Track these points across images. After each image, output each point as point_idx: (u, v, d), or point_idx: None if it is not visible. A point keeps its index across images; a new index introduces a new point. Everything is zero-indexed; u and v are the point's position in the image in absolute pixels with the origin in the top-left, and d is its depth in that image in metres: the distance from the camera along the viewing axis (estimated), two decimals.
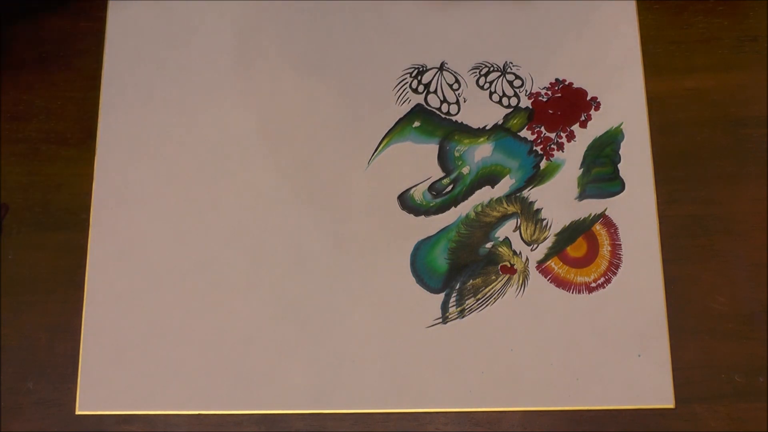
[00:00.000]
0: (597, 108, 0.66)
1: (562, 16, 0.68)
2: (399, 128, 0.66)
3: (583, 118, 0.66)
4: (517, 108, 0.66)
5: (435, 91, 0.67)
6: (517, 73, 0.67)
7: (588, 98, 0.66)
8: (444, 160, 0.65)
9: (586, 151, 0.65)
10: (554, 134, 0.65)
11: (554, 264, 0.62)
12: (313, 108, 0.66)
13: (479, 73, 0.67)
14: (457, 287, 0.62)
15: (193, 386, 0.61)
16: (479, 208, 0.64)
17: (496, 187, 0.64)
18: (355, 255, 0.63)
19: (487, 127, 0.66)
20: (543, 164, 0.65)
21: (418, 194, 0.64)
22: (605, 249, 0.63)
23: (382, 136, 0.66)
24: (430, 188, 0.64)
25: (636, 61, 0.67)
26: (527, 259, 0.63)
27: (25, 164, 0.66)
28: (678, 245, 0.62)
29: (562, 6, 0.68)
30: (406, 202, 0.64)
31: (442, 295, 0.62)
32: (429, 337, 0.61)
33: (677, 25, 0.68)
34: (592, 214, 0.63)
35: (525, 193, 0.64)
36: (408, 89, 0.67)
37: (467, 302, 0.62)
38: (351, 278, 0.62)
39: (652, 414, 0.59)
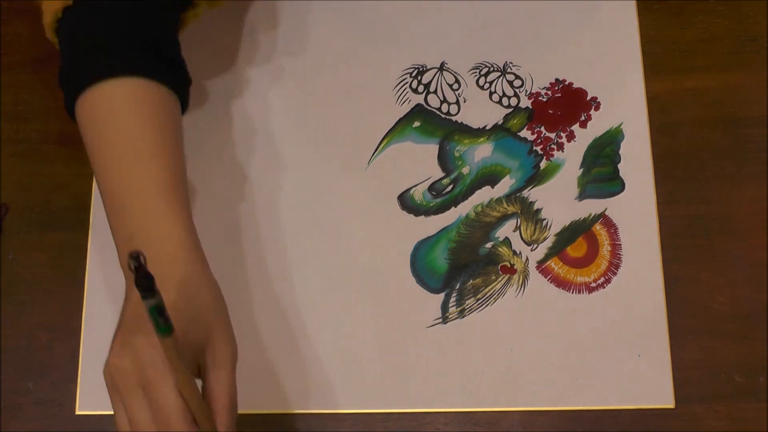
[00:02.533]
0: (597, 108, 0.66)
1: (562, 16, 0.68)
2: (399, 128, 0.66)
3: (583, 118, 0.66)
4: (517, 108, 0.66)
5: (435, 91, 0.67)
6: (517, 73, 0.67)
7: (588, 98, 0.66)
8: (444, 160, 0.65)
9: (586, 151, 0.65)
10: (554, 134, 0.65)
11: (554, 264, 0.62)
12: (313, 108, 0.66)
13: (479, 73, 0.67)
14: (457, 287, 0.62)
15: None
16: (479, 208, 0.64)
17: (496, 187, 0.64)
18: (355, 255, 0.63)
19: (487, 127, 0.66)
20: (543, 164, 0.65)
21: (418, 194, 0.64)
22: (605, 249, 0.63)
23: (382, 136, 0.66)
24: (430, 188, 0.64)
25: (636, 61, 0.67)
26: (527, 259, 0.63)
27: (25, 164, 0.66)
28: (678, 245, 0.62)
29: (562, 6, 0.68)
30: (406, 202, 0.64)
31: (442, 295, 0.62)
32: (429, 337, 0.61)
33: (677, 25, 0.68)
34: (592, 214, 0.63)
35: (525, 193, 0.64)
36: (408, 89, 0.67)
37: (467, 302, 0.62)
38: (351, 278, 0.62)
39: (652, 414, 0.59)
